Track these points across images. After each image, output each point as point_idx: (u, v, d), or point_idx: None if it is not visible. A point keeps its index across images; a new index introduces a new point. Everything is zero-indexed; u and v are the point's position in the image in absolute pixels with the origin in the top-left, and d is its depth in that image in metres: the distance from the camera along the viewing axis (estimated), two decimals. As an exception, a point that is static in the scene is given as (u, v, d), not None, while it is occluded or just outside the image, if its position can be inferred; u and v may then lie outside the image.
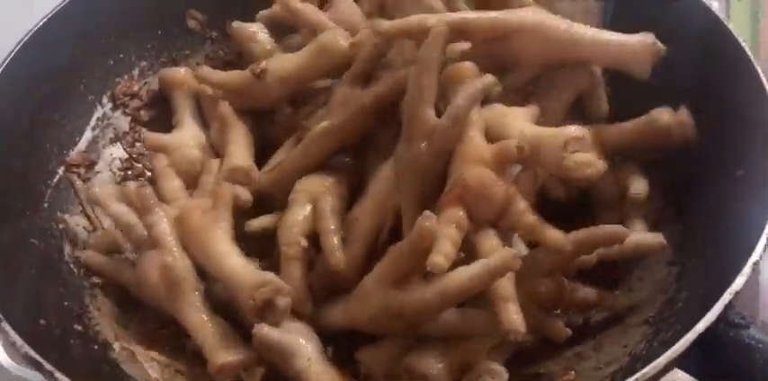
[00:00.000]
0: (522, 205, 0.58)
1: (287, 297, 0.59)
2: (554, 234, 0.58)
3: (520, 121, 0.63)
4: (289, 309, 0.59)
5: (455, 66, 0.63)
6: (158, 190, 0.72)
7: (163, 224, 0.65)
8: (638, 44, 0.66)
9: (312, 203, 0.66)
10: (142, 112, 0.84)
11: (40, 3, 0.77)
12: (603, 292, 0.64)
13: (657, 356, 0.52)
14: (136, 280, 0.66)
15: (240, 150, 0.73)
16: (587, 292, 0.63)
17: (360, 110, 0.67)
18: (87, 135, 0.80)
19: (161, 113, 0.84)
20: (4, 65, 0.70)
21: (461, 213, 0.57)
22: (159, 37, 0.85)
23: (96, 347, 0.64)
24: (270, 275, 0.60)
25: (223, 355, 0.59)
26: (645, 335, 0.61)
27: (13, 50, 0.72)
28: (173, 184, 0.74)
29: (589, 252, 0.60)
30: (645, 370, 0.49)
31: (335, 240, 0.63)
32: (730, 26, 0.68)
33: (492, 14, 0.66)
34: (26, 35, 0.73)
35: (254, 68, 0.74)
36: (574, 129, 0.59)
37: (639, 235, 0.65)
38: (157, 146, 0.77)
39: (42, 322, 0.61)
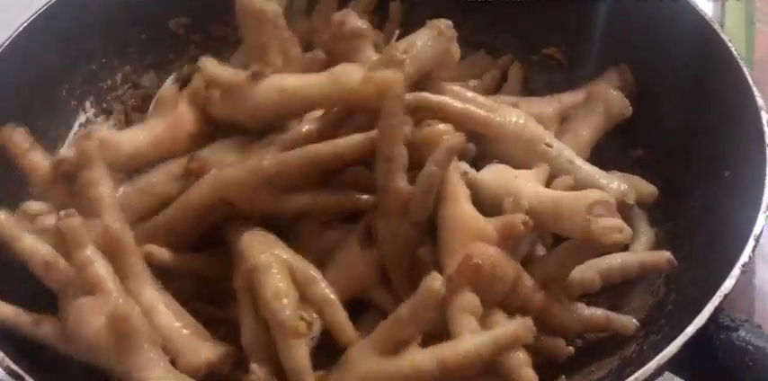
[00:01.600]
0: (529, 283, 0.56)
1: (230, 360, 0.57)
2: (566, 314, 0.56)
3: (533, 184, 0.60)
4: (235, 365, 0.56)
5: (427, 130, 0.60)
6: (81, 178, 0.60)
7: (100, 262, 0.55)
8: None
9: (283, 268, 0.56)
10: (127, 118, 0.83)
11: (20, 7, 0.76)
12: (612, 314, 0.61)
13: (648, 359, 0.51)
14: (63, 333, 0.54)
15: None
16: (593, 313, 0.60)
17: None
18: (70, 141, 0.79)
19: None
20: (-16, 69, 0.69)
21: (475, 299, 0.53)
22: (142, 41, 0.84)
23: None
24: (204, 355, 0.55)
25: (195, 354, 0.55)
26: (635, 338, 0.61)
27: (-8, 55, 0.71)
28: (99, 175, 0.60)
29: (580, 262, 0.59)
30: (636, 375, 0.49)
31: (343, 313, 0.55)
32: (723, 29, 0.68)
33: (477, 111, 0.64)
34: (6, 40, 0.72)
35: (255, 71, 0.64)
36: (597, 192, 0.56)
37: (643, 254, 0.64)
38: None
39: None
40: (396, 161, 0.57)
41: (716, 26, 0.68)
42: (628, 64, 0.75)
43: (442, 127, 0.59)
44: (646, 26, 0.74)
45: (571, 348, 0.59)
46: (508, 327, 0.50)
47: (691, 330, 0.50)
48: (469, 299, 0.53)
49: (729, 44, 0.66)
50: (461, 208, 0.57)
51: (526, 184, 0.60)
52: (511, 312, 0.55)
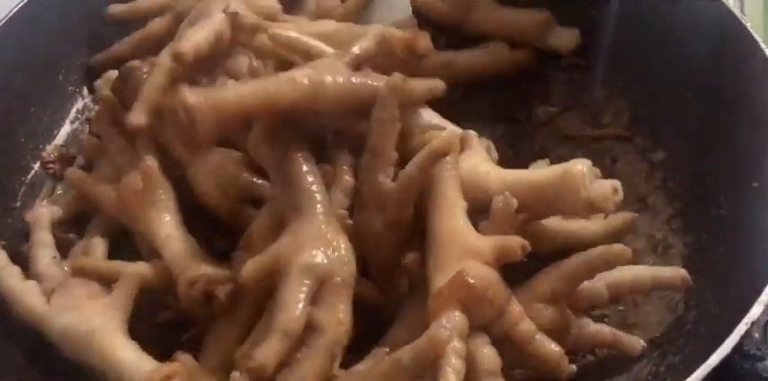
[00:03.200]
0: (517, 309, 0.53)
1: (226, 285, 0.56)
2: (550, 349, 0.52)
3: (490, 167, 0.58)
4: (230, 295, 0.55)
5: (428, 135, 0.59)
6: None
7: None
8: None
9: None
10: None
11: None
12: (620, 333, 0.58)
13: (664, 382, 0.49)
14: (117, 199, 0.62)
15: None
16: (599, 330, 0.57)
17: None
18: (66, 128, 0.77)
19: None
20: (-23, 53, 0.67)
21: (463, 318, 0.50)
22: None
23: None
24: (202, 268, 0.56)
25: (195, 268, 0.56)
26: (650, 358, 0.57)
27: (-14, 37, 0.68)
28: (117, 147, 0.66)
29: (590, 277, 0.56)
30: (653, 411, 0.46)
31: None
32: (746, 21, 0.64)
33: None
34: (1, 21, 0.70)
35: None
36: (577, 162, 0.54)
37: (657, 269, 0.60)
38: None
39: (8, 331, 0.57)
40: (383, 155, 0.56)
41: (743, 20, 0.65)
42: (647, 62, 0.72)
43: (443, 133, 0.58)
44: (666, 20, 0.71)
45: (573, 366, 0.55)
46: None
47: (713, 360, 0.46)
48: (457, 319, 0.50)
49: (757, 37, 0.63)
50: (455, 221, 0.54)
51: (481, 167, 0.58)
52: (494, 337, 0.52)
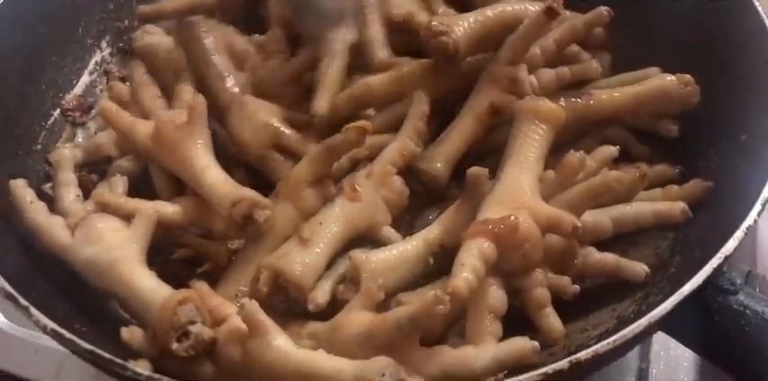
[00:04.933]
0: (540, 276, 0.55)
1: (265, 210, 0.59)
2: (553, 325, 0.55)
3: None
4: (268, 220, 0.59)
5: (537, 103, 0.61)
6: (137, 99, 0.72)
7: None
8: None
9: None
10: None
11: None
12: (623, 259, 0.60)
13: (645, 319, 0.51)
14: (153, 133, 0.65)
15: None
16: (604, 257, 0.60)
17: None
18: (85, 79, 0.80)
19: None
20: (-1, 5, 0.69)
21: (493, 248, 0.53)
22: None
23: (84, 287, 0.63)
24: (245, 190, 0.60)
25: (237, 190, 0.60)
26: (634, 299, 0.60)
27: (8, -10, 0.70)
28: (150, 93, 0.72)
29: (592, 204, 0.58)
30: (625, 331, 0.48)
31: None
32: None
33: None
34: (23, -26, 0.72)
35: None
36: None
37: (658, 204, 0.63)
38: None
39: (27, 263, 0.60)
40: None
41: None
42: (640, 19, 0.73)
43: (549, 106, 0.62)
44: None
45: (577, 286, 0.58)
46: (512, 347, 0.50)
47: (686, 289, 0.49)
48: (488, 246, 0.53)
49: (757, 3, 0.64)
50: (526, 181, 0.57)
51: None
52: (507, 291, 0.55)
